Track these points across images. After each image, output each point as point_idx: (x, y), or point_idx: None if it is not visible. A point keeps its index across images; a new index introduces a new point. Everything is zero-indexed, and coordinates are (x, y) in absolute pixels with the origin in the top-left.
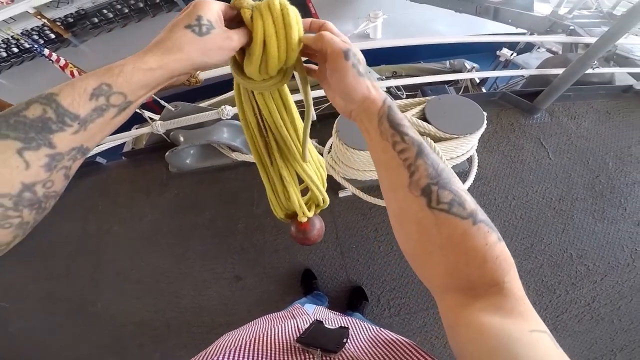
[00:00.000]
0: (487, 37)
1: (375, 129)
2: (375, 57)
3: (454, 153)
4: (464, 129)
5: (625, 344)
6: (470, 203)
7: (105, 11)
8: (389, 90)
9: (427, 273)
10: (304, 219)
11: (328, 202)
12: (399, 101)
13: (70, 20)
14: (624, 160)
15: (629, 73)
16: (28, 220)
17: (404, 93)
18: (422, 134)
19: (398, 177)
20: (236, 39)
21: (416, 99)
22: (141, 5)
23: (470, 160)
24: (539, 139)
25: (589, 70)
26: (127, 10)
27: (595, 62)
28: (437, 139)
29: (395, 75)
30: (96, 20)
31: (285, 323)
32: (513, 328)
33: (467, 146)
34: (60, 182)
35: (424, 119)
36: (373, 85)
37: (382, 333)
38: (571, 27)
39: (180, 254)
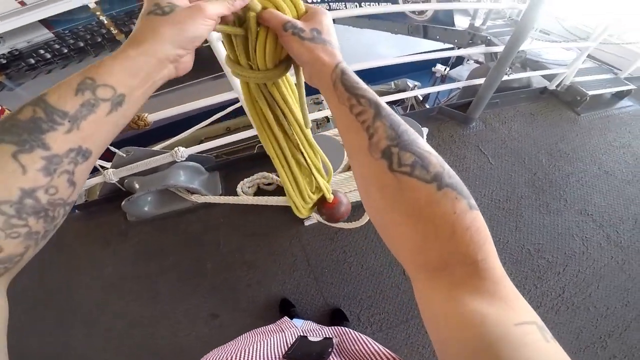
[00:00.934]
0: (421, 56)
1: (332, 93)
2: None
3: None
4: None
5: (611, 329)
6: (435, 165)
7: (41, 51)
8: None
9: (397, 247)
10: (332, 197)
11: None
12: None
13: (3, 61)
14: (555, 156)
15: (541, 76)
16: (38, 230)
17: None
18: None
19: (358, 140)
20: (205, 3)
21: None
22: (81, 44)
23: None
24: (477, 147)
25: (505, 77)
26: (66, 50)
27: (509, 69)
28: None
29: None
30: (32, 61)
31: (272, 337)
32: (496, 322)
33: None
34: (65, 189)
35: None
36: (324, 49)
37: (368, 344)
38: (488, 38)
39: (151, 298)
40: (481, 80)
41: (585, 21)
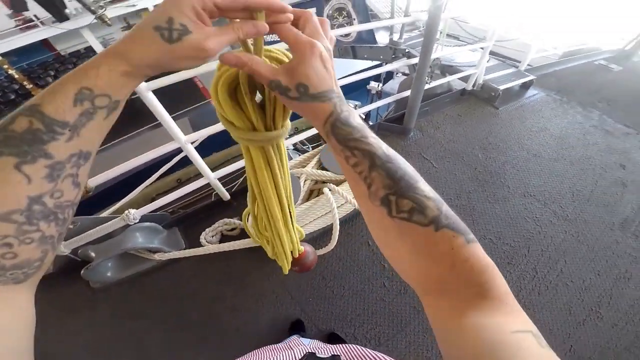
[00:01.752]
0: (354, 76)
1: (329, 144)
2: None
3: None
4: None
5: (597, 300)
6: (433, 209)
7: None
8: (295, 147)
9: (405, 275)
10: (302, 249)
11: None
12: (297, 158)
13: None
14: (488, 149)
15: (459, 79)
16: (51, 234)
17: (309, 146)
18: (323, 182)
19: (358, 188)
20: (212, 46)
21: (312, 152)
22: (12, 97)
23: None
24: (420, 154)
25: (427, 85)
26: None
27: (429, 77)
28: (338, 183)
29: (297, 131)
30: None
31: (281, 354)
32: (495, 330)
33: None
34: (70, 191)
35: (323, 168)
36: (312, 107)
37: (377, 357)
38: (407, 50)
39: (142, 357)
40: (409, 92)
41: (482, 23)
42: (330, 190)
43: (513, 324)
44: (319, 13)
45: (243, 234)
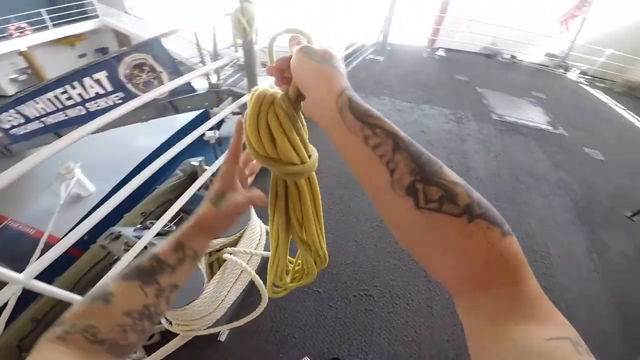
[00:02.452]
0: (193, 134)
1: (339, 123)
2: (115, 213)
3: (252, 241)
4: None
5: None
6: (464, 196)
7: None
8: (159, 234)
9: (433, 274)
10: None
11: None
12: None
13: None
14: (334, 159)
15: None
16: (147, 330)
17: (171, 225)
18: (217, 251)
19: (377, 176)
20: (241, 204)
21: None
22: None
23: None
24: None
25: None
26: None
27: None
28: (233, 244)
29: (147, 215)
30: None
31: None
32: (528, 337)
33: (256, 230)
34: (163, 305)
35: None
36: (332, 74)
37: None
38: (229, 89)
39: None
40: None
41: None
42: (231, 254)
43: (547, 329)
44: (112, 75)
45: (166, 336)
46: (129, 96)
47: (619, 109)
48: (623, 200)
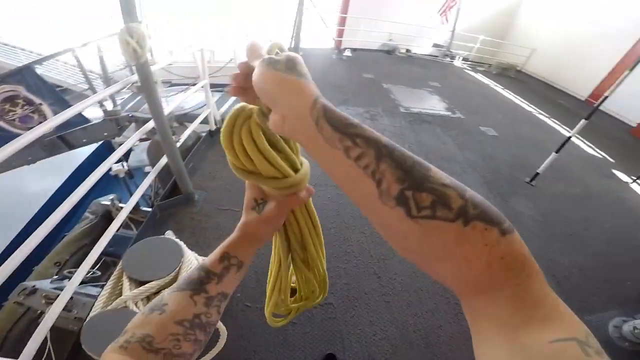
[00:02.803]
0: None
1: (315, 135)
2: (22, 267)
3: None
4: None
5: (383, 255)
6: (456, 198)
7: None
8: (83, 281)
9: (436, 278)
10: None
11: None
12: (101, 293)
13: None
14: None
15: (200, 123)
16: (201, 339)
17: (95, 270)
18: (155, 293)
19: (364, 189)
20: (285, 204)
21: (115, 274)
22: None
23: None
24: (217, 209)
25: (178, 143)
26: None
27: (174, 131)
28: (167, 285)
29: (62, 264)
30: None
31: None
32: (529, 340)
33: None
34: (215, 315)
35: (135, 280)
36: (299, 83)
37: None
38: (130, 115)
39: None
40: (165, 160)
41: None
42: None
43: (552, 330)
44: None
45: None
46: (4, 136)
47: (499, 88)
48: (520, 168)
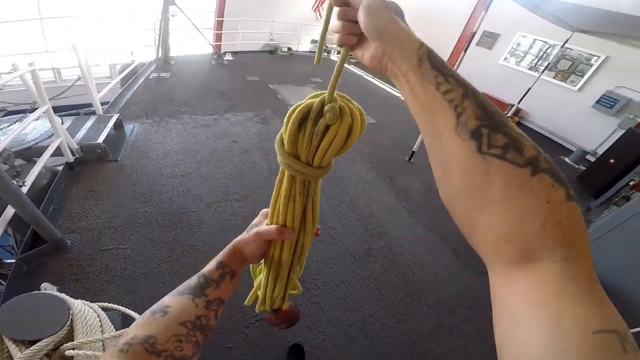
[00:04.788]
0: None
1: (415, 68)
2: None
3: (92, 327)
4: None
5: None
6: (530, 148)
7: None
8: None
9: (478, 236)
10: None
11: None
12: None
13: None
14: (143, 200)
15: (51, 156)
16: (200, 341)
17: None
18: (55, 349)
19: (443, 119)
20: (264, 232)
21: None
22: None
23: None
24: (99, 249)
25: (25, 187)
26: None
27: (16, 180)
28: (68, 338)
29: None
30: None
31: None
32: (570, 328)
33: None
34: (213, 319)
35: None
36: (407, 28)
37: None
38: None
39: None
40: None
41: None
42: (73, 349)
43: (596, 320)
44: None
45: None
46: None
47: (369, 78)
48: (400, 150)
